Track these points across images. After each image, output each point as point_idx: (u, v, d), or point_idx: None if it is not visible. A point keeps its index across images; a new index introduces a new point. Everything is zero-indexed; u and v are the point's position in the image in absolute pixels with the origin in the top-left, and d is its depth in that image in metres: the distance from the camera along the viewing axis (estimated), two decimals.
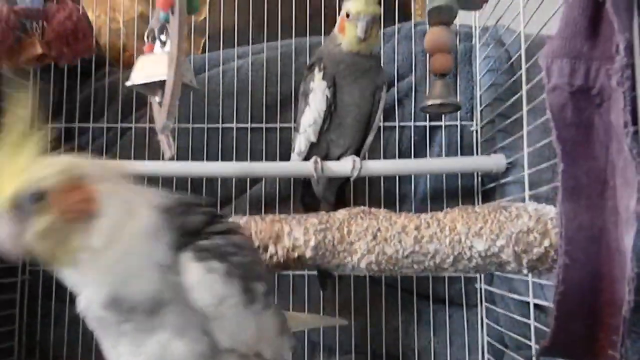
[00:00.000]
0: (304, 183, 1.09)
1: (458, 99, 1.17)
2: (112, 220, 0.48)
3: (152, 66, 0.75)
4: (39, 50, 0.99)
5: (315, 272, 1.07)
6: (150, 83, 0.76)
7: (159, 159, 1.14)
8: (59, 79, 1.23)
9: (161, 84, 0.74)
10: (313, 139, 0.99)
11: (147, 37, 0.81)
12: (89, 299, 0.49)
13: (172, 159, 0.81)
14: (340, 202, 1.08)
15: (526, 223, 0.66)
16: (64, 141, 1.22)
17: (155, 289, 0.49)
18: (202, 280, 0.50)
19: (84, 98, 1.24)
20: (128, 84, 0.80)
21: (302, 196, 1.11)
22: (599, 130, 0.60)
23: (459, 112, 1.17)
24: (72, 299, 1.18)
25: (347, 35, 0.93)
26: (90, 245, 0.47)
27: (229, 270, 0.52)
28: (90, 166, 0.50)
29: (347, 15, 0.92)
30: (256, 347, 0.55)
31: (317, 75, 0.96)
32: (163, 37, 0.76)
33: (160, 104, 0.76)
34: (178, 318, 0.50)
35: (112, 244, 0.47)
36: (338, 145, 1.00)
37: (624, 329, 0.54)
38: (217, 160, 1.18)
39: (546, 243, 0.65)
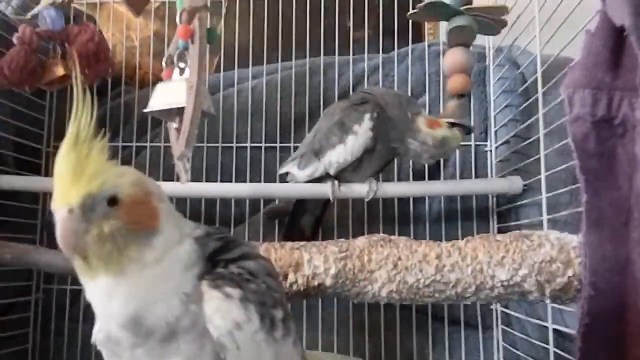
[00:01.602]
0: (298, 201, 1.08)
1: (472, 119, 1.18)
2: (166, 240, 0.49)
3: (170, 93, 0.75)
4: (61, 72, 1.00)
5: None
6: (168, 110, 0.77)
7: (173, 178, 1.15)
8: (74, 98, 1.24)
9: (178, 110, 0.74)
10: (332, 172, 0.97)
11: (165, 63, 0.81)
12: (109, 316, 0.50)
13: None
14: (321, 216, 1.09)
15: (549, 252, 0.65)
16: None
17: (175, 316, 0.49)
18: (219, 306, 0.50)
19: (100, 117, 1.24)
20: (146, 110, 0.81)
21: (293, 209, 1.10)
22: (623, 161, 0.60)
23: (473, 133, 1.17)
24: (86, 319, 1.19)
25: (436, 135, 0.93)
26: (142, 259, 0.48)
27: (245, 296, 0.52)
28: (155, 184, 0.52)
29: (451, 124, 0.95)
30: None
31: (367, 122, 0.93)
32: (182, 64, 0.77)
33: (177, 129, 0.76)
34: (191, 346, 0.50)
35: (158, 262, 0.48)
36: (352, 181, 1.00)
37: None
38: (231, 179, 1.18)
39: (569, 273, 0.65)
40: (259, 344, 0.52)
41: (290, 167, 1.04)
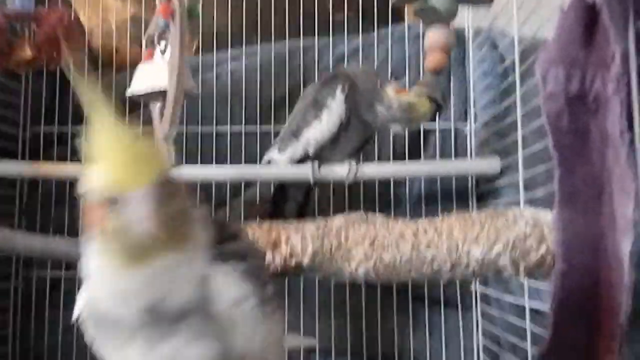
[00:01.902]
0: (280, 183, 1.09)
1: (452, 101, 1.18)
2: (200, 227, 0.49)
3: (152, 75, 0.75)
4: (29, 53, 0.98)
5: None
6: (151, 92, 0.76)
7: None
8: (51, 82, 1.22)
9: (162, 92, 0.74)
10: (312, 152, 0.98)
11: (145, 43, 0.80)
12: (133, 296, 0.48)
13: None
14: (306, 200, 1.10)
15: (523, 229, 0.66)
16: (57, 144, 1.21)
17: (191, 296, 0.49)
18: (225, 281, 0.50)
19: (77, 101, 1.23)
20: (128, 93, 0.80)
21: (274, 194, 1.11)
22: (595, 137, 0.61)
23: (452, 114, 1.18)
24: (66, 305, 1.18)
25: (402, 100, 0.94)
26: (198, 237, 0.48)
27: (247, 270, 0.53)
28: None
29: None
30: (264, 353, 0.55)
31: (340, 95, 0.94)
32: (162, 44, 0.76)
33: (160, 111, 0.75)
34: (197, 326, 0.50)
35: (195, 249, 0.48)
36: (332, 160, 1.00)
37: (622, 335, 0.55)
38: (211, 162, 1.17)
39: (543, 249, 0.66)
40: (256, 319, 0.52)
41: (271, 154, 1.04)
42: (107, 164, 0.44)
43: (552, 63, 0.61)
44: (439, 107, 1.01)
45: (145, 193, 0.43)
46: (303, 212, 1.08)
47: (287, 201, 1.07)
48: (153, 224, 0.43)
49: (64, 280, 1.17)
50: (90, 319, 0.51)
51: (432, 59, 0.98)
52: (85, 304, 0.51)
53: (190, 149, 1.18)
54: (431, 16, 0.96)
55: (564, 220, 0.60)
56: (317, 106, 0.96)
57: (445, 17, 0.97)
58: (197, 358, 0.50)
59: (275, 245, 0.69)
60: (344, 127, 0.95)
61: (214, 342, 0.50)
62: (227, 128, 1.20)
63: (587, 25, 0.60)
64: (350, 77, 0.96)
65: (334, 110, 0.94)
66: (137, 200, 0.43)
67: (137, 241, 0.44)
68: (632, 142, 0.54)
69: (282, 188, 1.08)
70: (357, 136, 0.98)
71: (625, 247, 0.54)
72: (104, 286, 0.48)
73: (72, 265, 1.16)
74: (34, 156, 1.20)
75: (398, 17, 1.35)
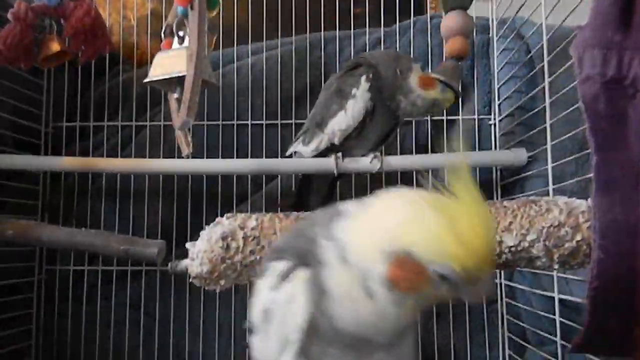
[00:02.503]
0: (304, 174, 1.08)
1: (475, 93, 1.16)
2: None
3: (170, 62, 0.74)
4: (57, 47, 0.98)
5: None
6: (169, 79, 0.75)
7: (174, 156, 1.14)
8: (72, 78, 1.23)
9: (179, 80, 0.73)
10: (337, 142, 0.97)
11: (164, 33, 0.80)
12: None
13: (189, 156, 0.79)
14: (331, 193, 1.10)
15: (557, 217, 0.64)
16: (79, 140, 1.22)
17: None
18: None
19: (98, 96, 1.24)
20: (146, 80, 0.79)
21: (299, 186, 1.10)
22: (633, 122, 0.59)
23: (476, 106, 1.16)
24: (89, 300, 1.18)
25: (429, 93, 0.94)
26: None
27: None
28: None
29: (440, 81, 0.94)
30: None
31: (364, 84, 0.93)
32: (181, 33, 0.75)
33: (178, 100, 0.75)
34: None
35: None
36: (358, 151, 1.00)
37: None
38: (232, 157, 1.17)
39: (578, 237, 0.64)
40: None
41: (295, 146, 1.03)
42: (472, 244, 0.43)
43: (588, 46, 0.60)
44: (456, 95, 0.99)
45: (489, 279, 0.46)
46: (327, 204, 1.06)
47: (311, 193, 1.06)
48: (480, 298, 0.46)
49: (87, 273, 1.18)
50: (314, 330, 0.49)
51: (452, 45, 0.97)
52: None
53: (211, 143, 1.18)
54: (457, 2, 0.95)
55: (601, 207, 0.58)
56: (342, 95, 0.95)
57: (469, 2, 0.96)
58: None
59: None
60: (369, 115, 0.93)
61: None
62: (248, 122, 1.19)
63: (623, 8, 0.58)
64: (374, 64, 0.94)
65: (359, 99, 0.92)
66: (485, 284, 0.45)
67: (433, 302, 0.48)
68: None
69: (307, 180, 1.07)
70: (383, 125, 0.97)
71: None
72: (357, 311, 0.47)
73: (95, 258, 1.17)
74: (56, 151, 1.21)
75: (420, 9, 1.34)
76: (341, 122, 0.94)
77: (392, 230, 0.45)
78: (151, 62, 1.25)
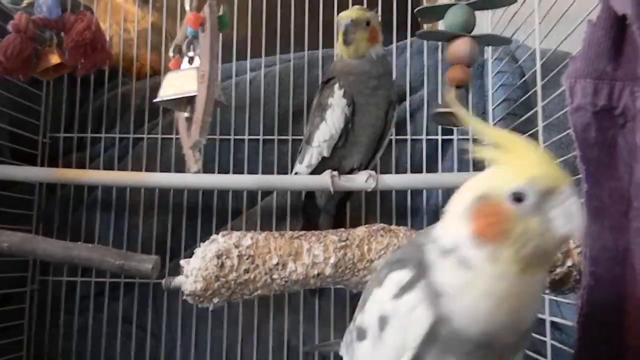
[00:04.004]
0: (307, 195, 1.09)
1: (470, 113, 1.17)
2: None
3: (181, 82, 0.75)
4: (56, 60, 0.99)
5: None
6: (178, 99, 0.76)
7: (170, 169, 1.15)
8: (71, 89, 1.23)
9: (189, 100, 0.74)
10: (326, 153, 0.99)
11: (173, 53, 0.81)
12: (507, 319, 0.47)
13: (199, 171, 0.80)
14: (340, 214, 1.11)
15: None
16: (76, 151, 1.22)
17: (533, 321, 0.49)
18: None
19: (97, 108, 1.25)
20: (156, 100, 0.80)
21: (304, 207, 1.11)
22: (623, 151, 0.60)
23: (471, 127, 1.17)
24: (82, 311, 1.18)
25: (338, 43, 0.97)
26: None
27: None
28: None
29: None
30: None
31: (337, 92, 0.96)
32: (190, 53, 0.76)
33: (188, 119, 0.76)
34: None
35: None
36: (350, 161, 1.01)
37: None
38: (229, 171, 1.18)
39: (569, 263, 0.65)
40: None
41: (295, 168, 1.05)
42: (527, 159, 0.43)
43: (579, 75, 0.61)
44: None
45: (572, 189, 0.42)
46: (338, 226, 1.04)
47: (320, 213, 1.07)
48: (581, 223, 0.42)
49: (80, 285, 1.18)
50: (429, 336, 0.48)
51: (454, 73, 0.99)
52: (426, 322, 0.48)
53: (208, 158, 1.19)
54: (440, 38, 0.97)
55: (592, 234, 0.59)
56: (322, 108, 0.98)
57: (470, 25, 0.98)
58: None
59: (298, 255, 0.69)
60: (350, 121, 0.96)
61: None
62: (245, 137, 1.20)
63: (615, 38, 0.60)
64: (345, 70, 0.97)
65: (336, 107, 0.96)
66: (571, 195, 0.42)
67: (554, 245, 0.44)
68: None
69: (311, 200, 1.09)
70: (369, 127, 0.99)
71: None
72: (475, 299, 0.45)
73: (88, 270, 1.17)
74: (52, 162, 1.21)
75: (417, 28, 1.36)
76: (324, 132, 0.97)
77: (463, 195, 0.47)
78: (150, 76, 1.28)
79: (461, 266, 0.46)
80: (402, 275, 0.50)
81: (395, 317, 0.49)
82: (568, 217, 0.42)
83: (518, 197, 0.43)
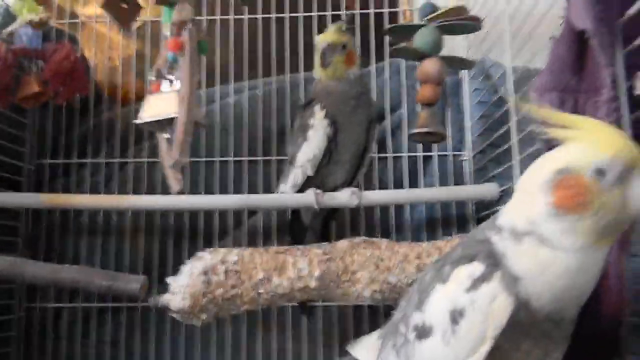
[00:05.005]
0: (293, 213, 1.11)
1: (449, 130, 1.21)
2: None
3: (161, 104, 0.77)
4: (35, 88, 1.01)
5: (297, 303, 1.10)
6: (159, 120, 0.78)
7: (157, 193, 1.16)
8: (57, 115, 1.25)
9: (169, 122, 0.76)
10: (310, 173, 1.01)
11: (153, 77, 0.83)
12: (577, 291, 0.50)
13: (183, 192, 0.82)
14: (326, 232, 1.12)
15: None
16: (62, 176, 1.23)
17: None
18: None
19: (82, 134, 1.26)
20: (137, 121, 0.82)
21: (290, 226, 1.13)
22: None
23: (450, 143, 1.21)
24: (69, 337, 1.17)
25: (316, 66, 1.01)
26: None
27: None
28: None
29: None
30: None
31: (319, 113, 0.99)
32: (170, 77, 0.79)
33: (168, 140, 0.78)
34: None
35: None
36: (334, 179, 1.04)
37: (623, 348, 0.56)
38: (214, 192, 1.19)
39: None
40: None
41: (280, 189, 1.07)
42: (603, 137, 0.46)
43: (546, 89, 0.64)
44: (443, 137, 1.05)
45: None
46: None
47: (306, 232, 1.09)
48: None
49: (67, 311, 1.17)
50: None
51: (423, 92, 1.02)
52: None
53: (194, 179, 1.20)
54: (412, 55, 1.01)
55: None
56: (303, 128, 1.01)
57: (436, 48, 1.02)
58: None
59: (283, 269, 0.71)
60: (332, 140, 0.99)
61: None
62: (231, 158, 1.22)
63: (577, 53, 0.64)
64: (325, 91, 1.01)
65: (318, 127, 0.99)
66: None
67: (629, 219, 0.46)
68: None
69: (297, 219, 1.10)
70: (352, 145, 1.02)
71: (619, 260, 0.56)
72: (554, 275, 0.48)
73: (75, 296, 1.17)
74: (38, 189, 1.21)
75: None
76: (308, 152, 1.00)
77: (538, 172, 0.49)
78: (135, 102, 1.30)
79: (540, 245, 0.49)
80: (472, 269, 0.52)
81: (472, 309, 0.51)
82: None
83: (600, 171, 0.46)
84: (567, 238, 0.47)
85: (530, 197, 0.50)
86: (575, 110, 0.64)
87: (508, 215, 0.53)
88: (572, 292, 0.49)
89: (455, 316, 0.52)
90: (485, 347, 0.50)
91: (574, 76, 0.64)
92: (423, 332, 0.56)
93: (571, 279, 0.48)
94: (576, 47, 0.63)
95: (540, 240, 0.49)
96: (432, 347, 0.55)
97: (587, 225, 0.47)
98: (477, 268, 0.52)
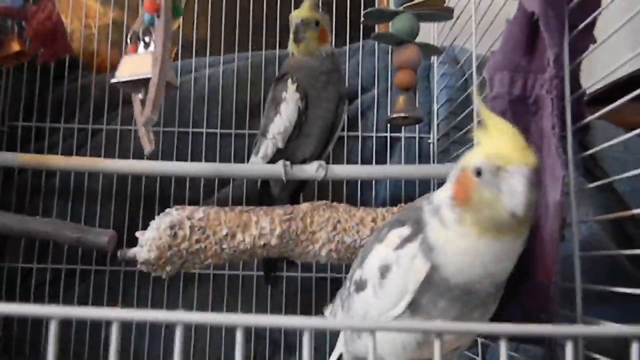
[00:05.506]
0: (262, 184, 1.14)
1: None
2: None
3: (136, 65, 0.80)
4: (17, 48, 1.02)
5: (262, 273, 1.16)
6: (134, 81, 0.81)
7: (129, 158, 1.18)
8: (31, 79, 1.25)
9: (144, 82, 0.79)
10: (280, 145, 1.04)
11: (130, 39, 0.86)
12: (484, 273, 0.54)
13: (152, 153, 0.85)
14: (294, 204, 1.15)
15: None
16: (34, 140, 1.24)
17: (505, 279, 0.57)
18: None
19: (56, 99, 1.27)
20: (113, 81, 0.85)
21: (259, 197, 1.16)
22: (535, 136, 0.68)
23: (417, 125, 1.26)
24: (37, 297, 1.18)
25: (290, 41, 1.04)
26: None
27: None
28: None
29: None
30: None
31: (291, 86, 1.02)
32: (146, 39, 0.81)
33: (142, 101, 0.80)
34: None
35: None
36: (302, 152, 1.07)
37: (552, 306, 0.62)
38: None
39: None
40: None
41: (252, 159, 1.10)
42: (497, 140, 0.51)
43: (498, 68, 0.69)
44: (419, 120, 1.10)
45: (525, 172, 0.49)
46: None
47: (275, 203, 1.12)
48: (525, 202, 0.48)
49: (36, 271, 1.19)
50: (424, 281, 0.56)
51: (400, 77, 1.06)
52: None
53: (167, 149, 1.23)
54: (390, 40, 1.05)
55: None
56: (276, 102, 1.05)
57: (413, 34, 1.06)
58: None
59: (246, 226, 0.74)
60: (303, 114, 1.02)
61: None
62: (203, 130, 1.25)
63: (529, 35, 0.68)
64: (297, 66, 1.04)
65: (290, 100, 1.02)
66: (517, 175, 0.49)
67: (503, 216, 0.50)
68: (562, 136, 0.61)
69: (266, 190, 1.14)
70: (321, 119, 1.05)
71: (555, 229, 0.61)
72: (454, 254, 0.54)
73: (43, 256, 1.19)
74: (10, 151, 1.22)
75: (370, 31, 1.44)
76: (279, 125, 1.03)
77: (457, 165, 0.56)
78: (110, 70, 1.32)
79: (441, 226, 0.55)
80: (402, 231, 0.59)
81: (397, 265, 0.58)
82: (512, 194, 0.49)
83: (478, 171, 0.51)
84: (456, 226, 0.54)
85: (449, 182, 0.57)
86: (525, 89, 0.68)
87: (440, 190, 0.59)
88: (477, 270, 0.54)
89: (383, 271, 0.59)
90: (406, 299, 0.56)
91: (524, 56, 0.69)
92: (360, 286, 0.63)
93: (471, 260, 0.54)
94: (528, 29, 0.68)
95: (442, 222, 0.55)
96: (365, 298, 0.61)
97: (468, 217, 0.53)
98: (404, 231, 0.59)
